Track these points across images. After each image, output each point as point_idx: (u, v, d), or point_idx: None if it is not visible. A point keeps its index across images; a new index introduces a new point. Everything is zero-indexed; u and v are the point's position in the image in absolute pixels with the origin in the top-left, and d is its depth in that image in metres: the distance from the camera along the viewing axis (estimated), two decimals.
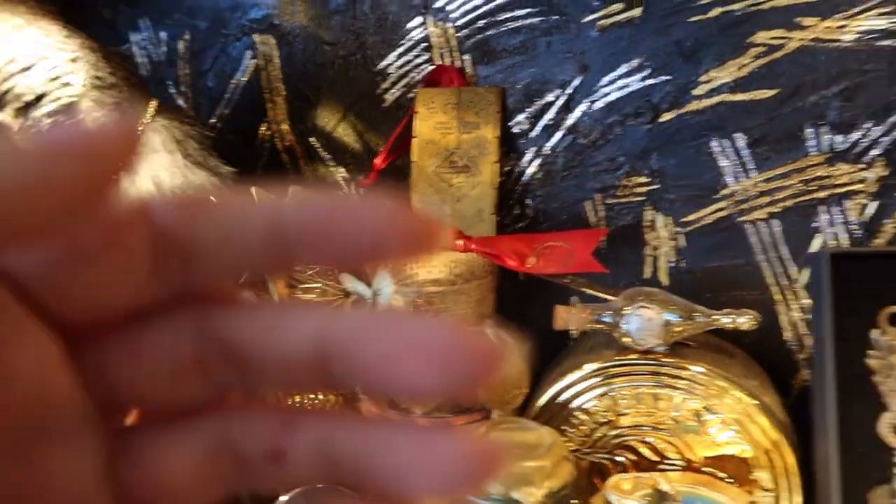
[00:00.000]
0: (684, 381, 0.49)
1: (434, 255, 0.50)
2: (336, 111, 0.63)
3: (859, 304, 0.46)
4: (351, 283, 0.49)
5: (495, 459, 0.12)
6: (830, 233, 0.51)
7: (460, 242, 0.52)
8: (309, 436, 0.13)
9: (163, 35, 0.64)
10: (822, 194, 0.51)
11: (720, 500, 0.46)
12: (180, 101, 0.66)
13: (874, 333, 0.45)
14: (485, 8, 0.56)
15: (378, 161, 0.61)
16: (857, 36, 0.48)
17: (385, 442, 0.13)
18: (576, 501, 0.48)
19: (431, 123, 0.58)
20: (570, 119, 0.56)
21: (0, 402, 0.12)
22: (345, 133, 0.64)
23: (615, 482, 0.49)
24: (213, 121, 0.65)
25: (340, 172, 0.65)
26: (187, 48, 0.64)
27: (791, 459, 0.47)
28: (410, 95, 0.60)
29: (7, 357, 0.11)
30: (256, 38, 0.62)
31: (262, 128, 0.65)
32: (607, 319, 0.49)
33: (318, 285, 0.51)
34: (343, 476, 0.13)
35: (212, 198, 0.13)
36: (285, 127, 0.65)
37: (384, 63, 0.61)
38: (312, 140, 0.64)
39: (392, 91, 0.61)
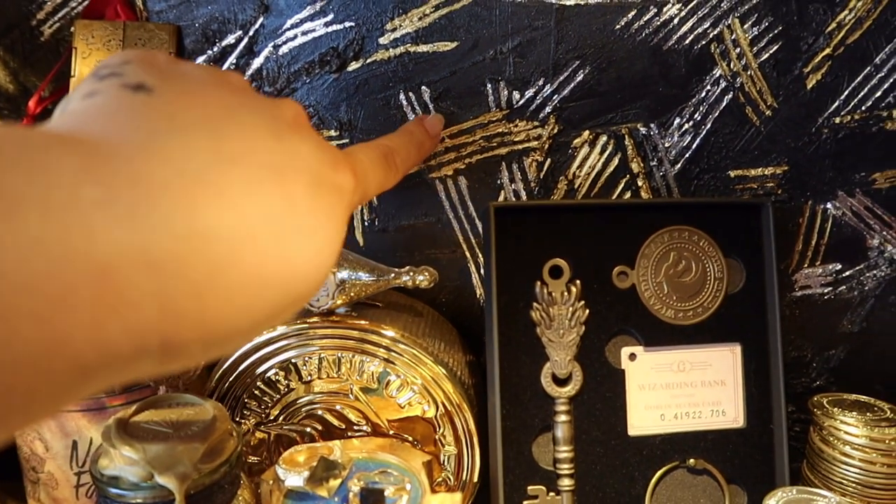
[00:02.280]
0: (368, 345, 0.46)
1: None
2: None
3: (525, 258, 0.46)
4: None
5: None
6: (512, 189, 0.52)
7: None
8: None
9: None
10: (502, 151, 0.51)
11: (392, 461, 0.45)
12: None
13: (537, 286, 0.46)
14: None
15: (31, 105, 0.52)
16: None
17: None
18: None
19: (92, 62, 0.50)
20: (254, 64, 0.51)
21: None
22: None
23: (289, 455, 0.45)
24: None
25: None
26: None
27: (471, 420, 0.47)
28: (73, 29, 0.52)
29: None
30: None
31: None
32: None
33: None
34: None
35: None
36: None
37: None
38: None
39: (50, 23, 0.52)
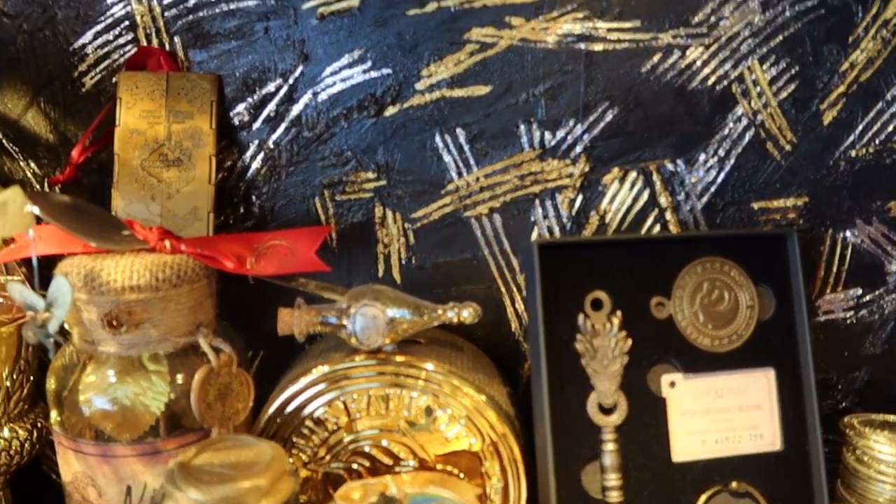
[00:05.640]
0: (412, 380, 0.47)
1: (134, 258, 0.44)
2: (23, 95, 0.54)
3: (566, 292, 0.48)
4: (20, 293, 0.41)
5: None
6: (545, 226, 0.54)
7: (167, 243, 0.46)
8: None
9: None
10: (535, 189, 0.53)
11: (446, 495, 0.45)
12: None
13: (580, 319, 0.48)
14: None
15: (75, 154, 0.53)
16: (558, 38, 0.51)
17: None
18: None
19: (136, 111, 0.51)
20: (294, 111, 0.53)
21: None
22: (35, 121, 0.54)
23: (344, 491, 0.46)
24: None
25: (31, 167, 0.55)
26: None
27: (517, 450, 0.48)
28: (116, 80, 0.53)
29: None
30: None
31: None
32: (332, 321, 0.47)
33: None
34: None
35: None
36: None
37: (80, 42, 0.53)
38: None
39: (91, 74, 0.53)
